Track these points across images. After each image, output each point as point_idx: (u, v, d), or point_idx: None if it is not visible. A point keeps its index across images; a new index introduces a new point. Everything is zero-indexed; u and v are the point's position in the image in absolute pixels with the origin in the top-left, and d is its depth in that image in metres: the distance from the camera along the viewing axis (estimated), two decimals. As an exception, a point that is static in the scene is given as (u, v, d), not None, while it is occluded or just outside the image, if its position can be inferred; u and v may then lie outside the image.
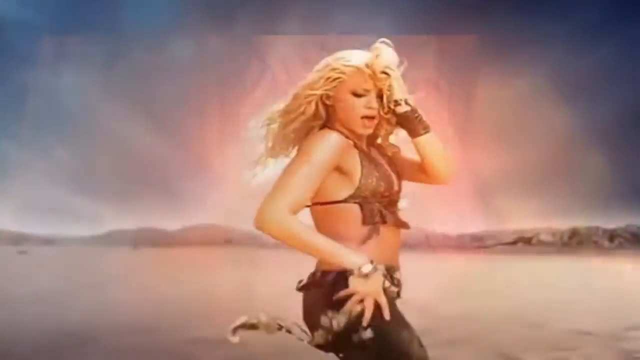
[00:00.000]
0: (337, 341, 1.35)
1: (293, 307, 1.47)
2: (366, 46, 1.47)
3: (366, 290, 1.29)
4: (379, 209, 1.40)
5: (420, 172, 1.57)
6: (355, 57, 1.44)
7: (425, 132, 1.49)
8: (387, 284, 1.38)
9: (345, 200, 1.39)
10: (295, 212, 1.32)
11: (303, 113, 1.45)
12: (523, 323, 6.16)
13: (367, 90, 1.43)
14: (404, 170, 1.56)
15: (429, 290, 9.52)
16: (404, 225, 1.47)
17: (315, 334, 1.38)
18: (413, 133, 1.50)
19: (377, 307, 1.31)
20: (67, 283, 11.31)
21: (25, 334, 5.24)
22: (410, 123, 1.49)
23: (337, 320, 1.33)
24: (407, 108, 1.47)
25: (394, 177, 1.48)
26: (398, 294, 1.45)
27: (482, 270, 19.49)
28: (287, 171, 1.37)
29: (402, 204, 1.49)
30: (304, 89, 1.46)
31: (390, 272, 1.43)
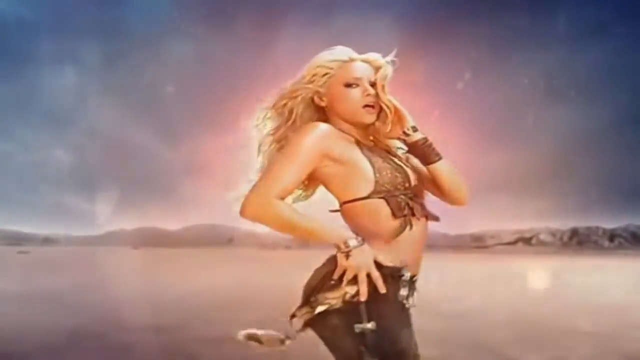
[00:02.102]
0: (339, 328, 1.34)
1: (294, 306, 1.46)
2: (366, 47, 1.47)
3: (356, 264, 1.29)
4: (405, 201, 1.39)
5: (436, 189, 1.55)
6: (339, 52, 1.47)
7: (438, 159, 1.48)
8: (405, 292, 1.36)
9: (369, 197, 1.37)
10: (281, 198, 1.31)
11: (285, 106, 1.46)
12: (523, 323, 6.17)
13: (358, 79, 1.44)
14: (422, 179, 1.53)
15: (429, 290, 9.51)
16: (434, 218, 1.46)
17: (301, 309, 1.37)
18: (426, 160, 1.49)
19: (372, 281, 1.30)
20: (67, 283, 11.30)
21: (26, 333, 5.24)
22: (423, 151, 1.48)
23: (330, 301, 1.32)
24: (419, 136, 1.47)
25: (408, 170, 1.46)
26: (408, 298, 1.40)
27: (482, 270, 19.48)
28: (272, 161, 1.40)
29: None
30: (290, 86, 1.48)
31: (413, 279, 1.40)
